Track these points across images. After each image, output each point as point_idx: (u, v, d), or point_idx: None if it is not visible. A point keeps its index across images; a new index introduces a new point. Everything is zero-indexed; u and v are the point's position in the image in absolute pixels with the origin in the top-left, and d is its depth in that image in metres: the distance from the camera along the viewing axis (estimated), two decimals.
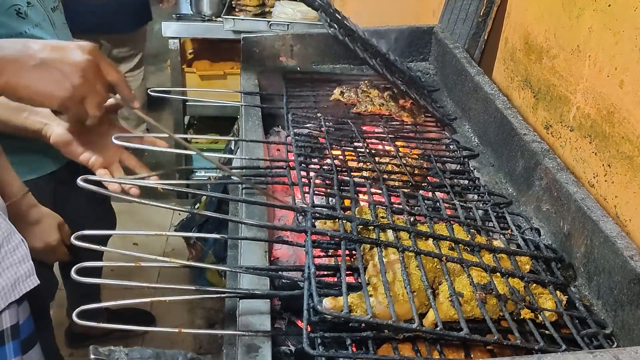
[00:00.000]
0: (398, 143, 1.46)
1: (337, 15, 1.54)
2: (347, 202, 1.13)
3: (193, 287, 0.96)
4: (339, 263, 0.95)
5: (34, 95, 1.01)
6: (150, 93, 1.79)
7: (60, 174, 1.94)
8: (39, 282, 1.33)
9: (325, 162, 1.34)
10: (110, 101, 1.13)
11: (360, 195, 1.18)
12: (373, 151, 1.41)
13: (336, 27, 1.46)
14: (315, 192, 1.13)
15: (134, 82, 3.88)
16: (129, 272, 2.76)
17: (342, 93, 1.66)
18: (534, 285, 0.99)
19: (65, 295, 2.55)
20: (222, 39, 3.45)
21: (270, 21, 3.27)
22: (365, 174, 1.30)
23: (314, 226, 1.02)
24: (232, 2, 3.45)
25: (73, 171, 1.98)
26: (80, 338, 2.67)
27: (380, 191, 1.18)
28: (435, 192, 1.27)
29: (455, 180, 1.37)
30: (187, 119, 3.90)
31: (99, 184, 0.93)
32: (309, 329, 0.86)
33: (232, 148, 3.17)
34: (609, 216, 1.04)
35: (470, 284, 0.92)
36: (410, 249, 0.94)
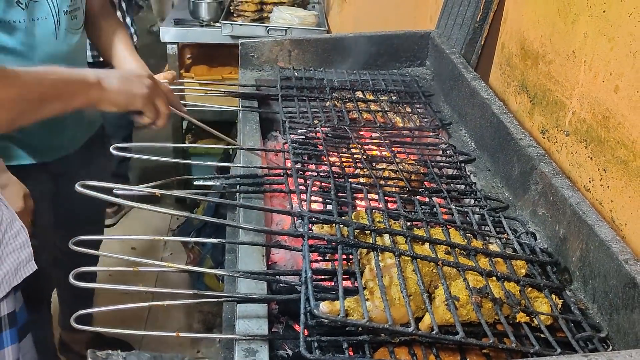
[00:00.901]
0: (395, 148, 1.47)
1: None
2: (344, 208, 1.14)
3: (191, 292, 0.96)
4: (336, 267, 0.96)
5: (126, 97, 1.32)
6: None
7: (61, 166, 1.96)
8: (36, 267, 1.35)
9: (322, 168, 1.34)
10: None
11: (357, 201, 1.18)
12: (370, 157, 1.41)
13: None
14: (312, 197, 1.14)
15: None
16: (127, 276, 2.76)
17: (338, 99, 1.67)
18: (530, 289, 0.99)
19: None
20: (220, 44, 3.46)
21: (268, 26, 3.28)
22: (362, 179, 1.31)
23: (311, 231, 1.02)
24: (230, 8, 3.46)
25: (74, 165, 2.00)
26: (65, 348, 2.66)
27: (377, 196, 1.19)
28: (432, 197, 1.28)
29: (451, 185, 1.38)
30: (185, 123, 3.91)
31: (98, 189, 0.94)
32: (306, 332, 0.87)
33: (230, 153, 3.18)
34: (604, 220, 1.05)
35: (466, 288, 0.92)
36: (407, 253, 0.95)
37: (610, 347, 0.94)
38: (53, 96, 1.22)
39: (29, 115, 1.20)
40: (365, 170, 1.34)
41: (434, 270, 0.95)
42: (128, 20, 3.37)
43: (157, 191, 1.00)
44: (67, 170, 2.00)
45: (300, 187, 1.21)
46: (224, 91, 1.75)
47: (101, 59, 3.37)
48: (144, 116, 1.40)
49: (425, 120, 1.64)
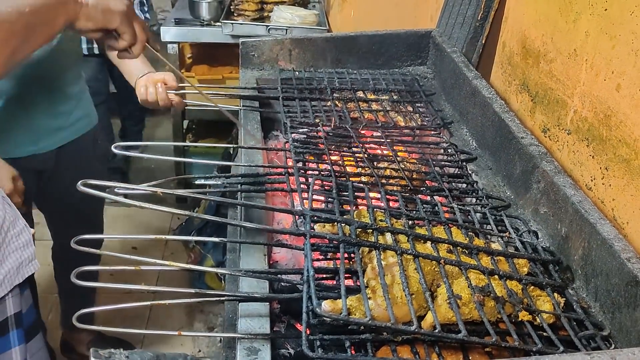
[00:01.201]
0: (396, 147, 1.47)
1: None
2: (345, 207, 1.14)
3: (192, 291, 0.96)
4: (338, 266, 0.96)
5: (103, 12, 1.25)
6: None
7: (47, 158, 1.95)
8: (39, 266, 1.36)
9: (324, 167, 1.34)
10: None
11: (359, 200, 1.18)
12: (371, 156, 1.41)
13: None
14: (314, 196, 1.14)
15: None
16: (127, 276, 2.76)
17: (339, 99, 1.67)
18: (532, 287, 0.99)
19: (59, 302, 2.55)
20: (221, 43, 3.46)
21: (268, 26, 3.29)
22: (363, 178, 1.31)
23: (313, 229, 1.02)
24: (231, 7, 3.47)
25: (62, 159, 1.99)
26: (68, 348, 2.67)
27: (378, 195, 1.18)
28: (434, 196, 1.28)
29: (453, 184, 1.38)
30: (186, 123, 3.91)
31: (98, 188, 0.94)
32: (308, 331, 0.87)
33: (231, 152, 3.18)
34: (606, 219, 1.05)
35: (469, 287, 0.92)
36: (409, 251, 0.94)
37: (613, 346, 0.94)
38: (38, 21, 1.18)
39: (22, 48, 1.16)
40: (366, 169, 1.34)
41: (436, 269, 0.95)
42: None
43: (159, 190, 1.00)
44: (46, 169, 2.00)
45: (302, 185, 1.21)
46: (225, 94, 1.75)
47: (96, 52, 3.36)
48: (120, 39, 1.34)
49: (427, 119, 1.64)
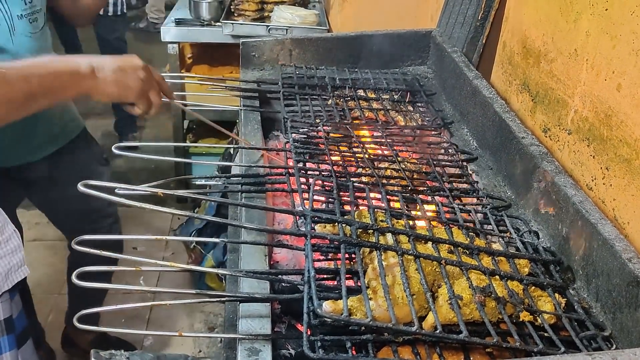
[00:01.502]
0: (397, 147, 1.47)
1: None
2: (346, 207, 1.14)
3: (193, 291, 0.96)
4: (339, 266, 0.96)
5: (119, 89, 1.30)
6: None
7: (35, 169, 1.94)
8: (29, 272, 1.35)
9: (324, 167, 1.34)
10: None
11: (360, 200, 1.18)
12: (372, 156, 1.41)
13: None
14: (315, 196, 1.14)
15: None
16: (128, 276, 2.76)
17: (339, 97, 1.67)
18: (533, 287, 0.99)
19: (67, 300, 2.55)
20: (221, 43, 3.46)
21: (269, 26, 3.28)
22: (364, 179, 1.31)
23: (314, 230, 1.02)
24: (231, 7, 3.46)
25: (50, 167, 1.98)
26: (70, 343, 2.67)
27: (379, 195, 1.18)
28: (434, 196, 1.28)
29: (454, 184, 1.37)
30: (186, 123, 3.91)
31: (99, 188, 0.94)
32: (309, 332, 0.87)
33: (232, 152, 3.18)
34: (607, 219, 1.05)
35: (470, 287, 0.92)
36: (410, 252, 0.94)
37: (614, 346, 0.94)
38: (41, 92, 1.20)
39: (17, 112, 1.19)
40: (367, 169, 1.33)
41: (437, 269, 0.95)
42: None
43: (160, 191, 1.00)
44: (39, 177, 1.98)
45: (303, 186, 1.21)
46: (226, 86, 1.74)
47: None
48: (136, 107, 1.38)
49: (427, 119, 1.64)
